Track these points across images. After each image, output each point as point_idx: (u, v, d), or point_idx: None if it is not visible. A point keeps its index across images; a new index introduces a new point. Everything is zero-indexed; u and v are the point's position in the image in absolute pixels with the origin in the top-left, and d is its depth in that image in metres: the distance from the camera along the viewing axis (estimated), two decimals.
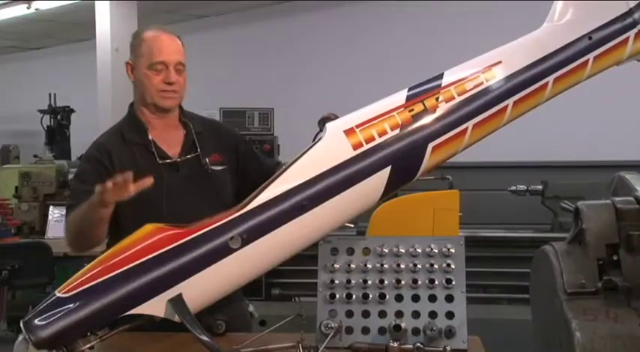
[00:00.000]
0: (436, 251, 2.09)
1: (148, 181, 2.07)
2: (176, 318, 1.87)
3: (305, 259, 2.42)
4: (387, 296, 2.07)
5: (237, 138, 2.67)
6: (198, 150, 2.44)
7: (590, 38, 2.17)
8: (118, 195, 2.05)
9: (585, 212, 2.00)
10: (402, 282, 2.07)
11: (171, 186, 2.37)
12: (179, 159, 2.43)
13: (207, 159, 2.44)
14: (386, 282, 2.07)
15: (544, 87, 2.14)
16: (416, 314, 2.05)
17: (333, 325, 2.03)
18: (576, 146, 6.47)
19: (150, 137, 2.43)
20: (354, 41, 8.89)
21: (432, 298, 2.06)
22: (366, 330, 2.06)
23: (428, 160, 2.06)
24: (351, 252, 2.13)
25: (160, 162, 2.40)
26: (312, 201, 1.96)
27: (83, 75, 10.22)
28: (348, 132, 2.03)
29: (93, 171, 2.40)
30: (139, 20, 9.17)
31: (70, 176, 7.21)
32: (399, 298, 2.07)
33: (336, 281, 2.09)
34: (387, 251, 2.11)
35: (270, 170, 2.43)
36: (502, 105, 2.11)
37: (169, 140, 2.47)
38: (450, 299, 2.06)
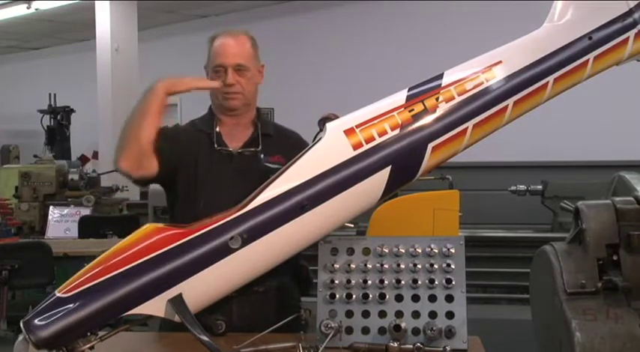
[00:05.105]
0: (436, 251, 2.09)
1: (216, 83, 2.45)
2: (176, 318, 1.87)
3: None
4: (387, 296, 2.07)
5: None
6: (260, 147, 2.51)
7: (590, 38, 2.16)
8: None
9: (585, 212, 2.00)
10: (402, 282, 2.07)
11: (220, 174, 2.46)
12: (235, 151, 2.51)
13: (265, 156, 2.49)
14: (386, 282, 2.07)
15: (544, 87, 2.14)
16: (416, 314, 2.05)
17: (333, 325, 2.02)
18: (576, 146, 6.47)
19: (217, 129, 2.55)
20: (354, 41, 8.89)
21: (432, 298, 2.06)
22: (366, 330, 2.06)
23: (428, 160, 2.06)
24: (351, 252, 2.13)
25: (217, 148, 2.50)
26: (312, 201, 1.96)
27: (83, 75, 10.22)
28: (348, 132, 2.03)
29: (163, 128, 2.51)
30: (139, 20, 9.18)
31: (70, 176, 7.23)
32: (399, 298, 2.07)
33: (336, 281, 2.09)
34: (387, 251, 2.11)
35: None
36: (502, 105, 2.11)
37: (236, 136, 2.56)
38: (450, 299, 2.05)
